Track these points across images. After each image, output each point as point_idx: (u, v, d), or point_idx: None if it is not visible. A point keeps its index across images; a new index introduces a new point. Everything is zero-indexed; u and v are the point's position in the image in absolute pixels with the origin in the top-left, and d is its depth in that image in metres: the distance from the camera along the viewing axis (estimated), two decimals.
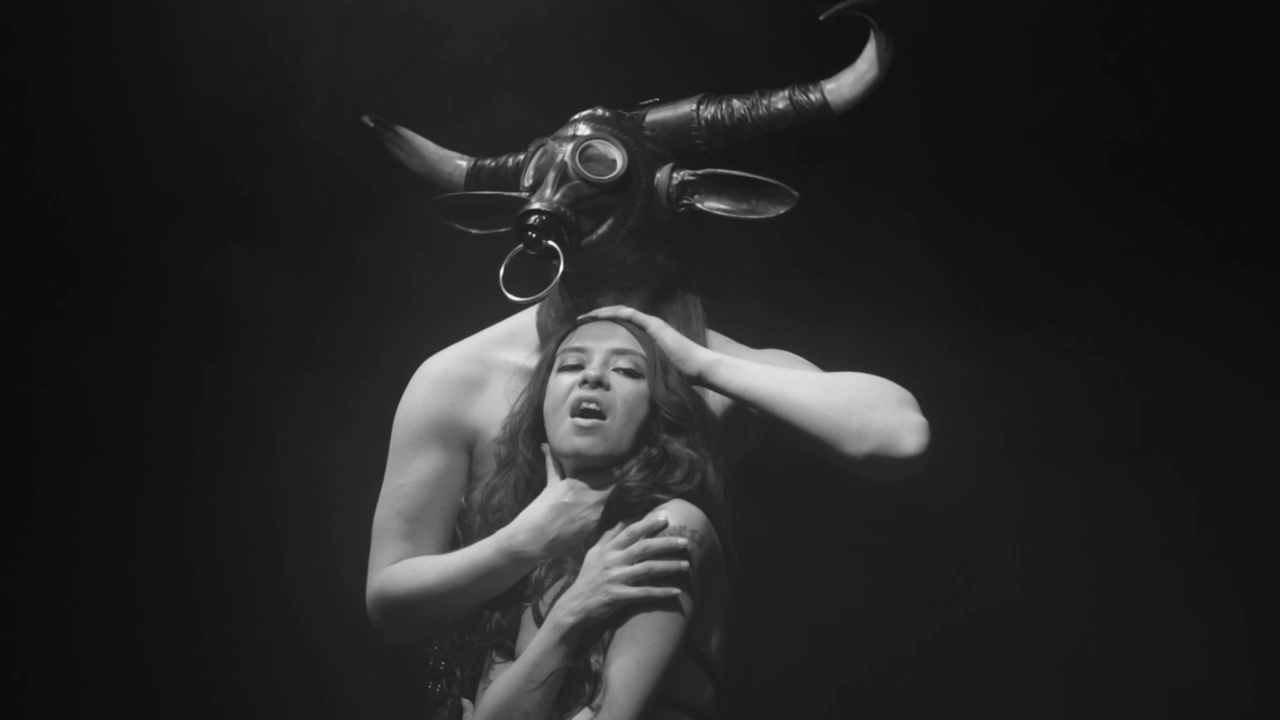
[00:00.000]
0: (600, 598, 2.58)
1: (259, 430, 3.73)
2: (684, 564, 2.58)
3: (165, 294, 3.78)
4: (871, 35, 2.89)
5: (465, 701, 2.74)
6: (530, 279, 2.88)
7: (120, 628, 3.77)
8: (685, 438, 2.73)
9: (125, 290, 3.79)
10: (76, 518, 3.79)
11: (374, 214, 3.67)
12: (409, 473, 2.90)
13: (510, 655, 2.68)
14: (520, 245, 2.85)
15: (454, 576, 2.78)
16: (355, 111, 3.24)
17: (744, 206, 2.92)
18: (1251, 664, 3.58)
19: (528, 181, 2.93)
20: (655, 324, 2.81)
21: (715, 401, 2.84)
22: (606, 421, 2.70)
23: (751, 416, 2.80)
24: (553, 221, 2.83)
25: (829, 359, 2.92)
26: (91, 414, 3.79)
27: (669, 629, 2.57)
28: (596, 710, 2.54)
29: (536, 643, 2.61)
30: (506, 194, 3.00)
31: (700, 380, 2.78)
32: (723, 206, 2.93)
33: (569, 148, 2.89)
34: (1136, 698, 3.61)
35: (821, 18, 2.88)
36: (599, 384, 2.72)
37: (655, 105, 3.01)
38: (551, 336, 2.87)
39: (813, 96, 2.94)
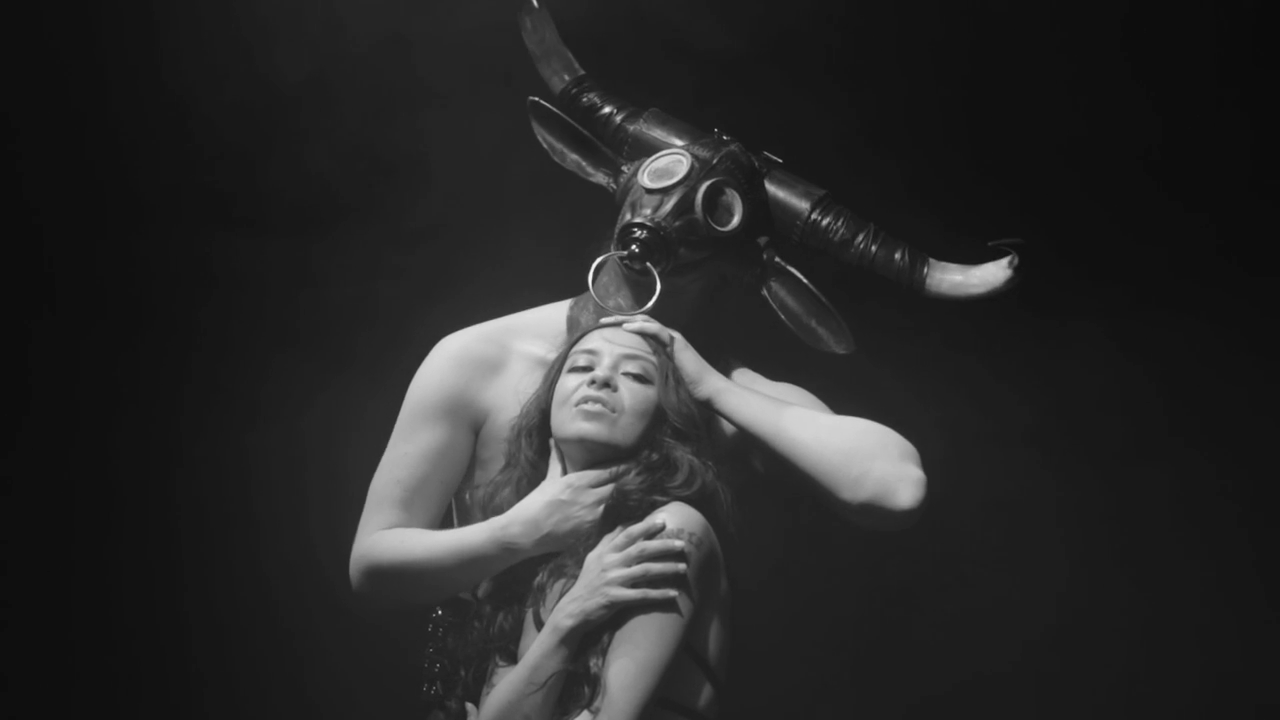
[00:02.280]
0: (598, 600, 2.58)
1: (245, 409, 3.74)
2: (681, 566, 2.59)
3: (154, 280, 3.78)
4: (1006, 265, 2.92)
5: (469, 705, 2.75)
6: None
7: (110, 615, 3.80)
8: (691, 445, 2.74)
9: (114, 277, 3.79)
10: (69, 495, 3.80)
11: (364, 202, 3.70)
12: (415, 443, 2.90)
13: (513, 659, 2.69)
14: (621, 251, 2.85)
15: (441, 556, 2.78)
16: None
17: (804, 322, 2.94)
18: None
19: (648, 181, 2.90)
20: (678, 343, 2.82)
21: (727, 425, 2.84)
22: (614, 414, 2.72)
23: (755, 446, 2.80)
24: (659, 244, 2.83)
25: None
26: (81, 392, 3.81)
27: (667, 631, 2.57)
28: (595, 713, 2.55)
29: (536, 646, 2.61)
30: (604, 148, 3.01)
31: (708, 405, 2.79)
32: (787, 307, 2.94)
33: (704, 184, 2.87)
34: (1168, 693, 3.60)
35: (990, 244, 2.92)
36: (606, 384, 2.73)
37: (779, 168, 3.00)
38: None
39: (916, 273, 2.95)
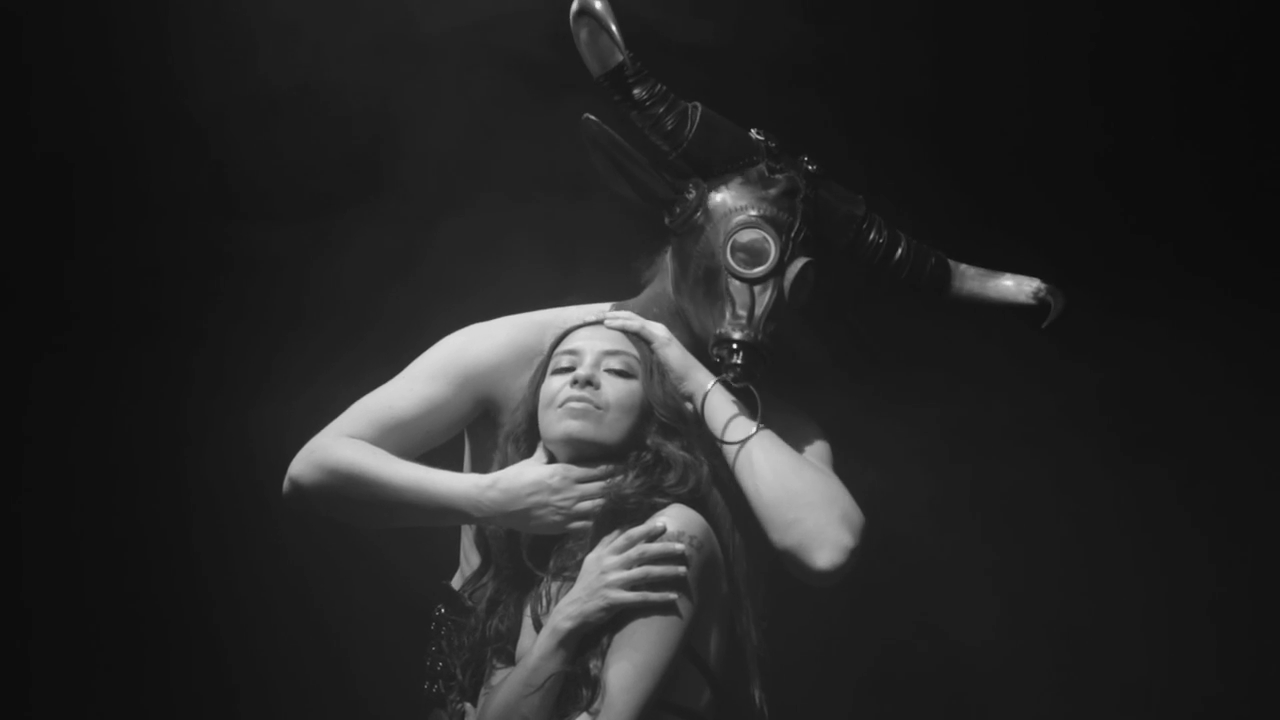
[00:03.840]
0: (597, 602, 2.59)
1: (250, 388, 3.74)
2: (681, 569, 2.59)
3: (163, 268, 3.80)
4: (1032, 295, 2.94)
5: (467, 705, 2.75)
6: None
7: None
8: (679, 440, 2.75)
9: (126, 267, 3.80)
10: (77, 472, 3.82)
11: (370, 191, 3.71)
12: (425, 387, 2.88)
13: (511, 660, 2.70)
14: (727, 375, 2.79)
15: (405, 484, 2.78)
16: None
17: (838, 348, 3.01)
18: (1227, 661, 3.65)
19: (735, 263, 2.82)
20: (662, 337, 2.83)
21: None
22: (599, 410, 2.72)
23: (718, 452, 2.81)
24: (760, 359, 2.80)
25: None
26: (93, 374, 3.82)
27: (667, 634, 2.58)
28: (595, 715, 2.55)
29: (535, 647, 2.61)
30: (656, 172, 2.89)
31: (690, 401, 2.80)
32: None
33: (791, 270, 2.82)
34: (1119, 697, 3.66)
35: (1043, 325, 2.93)
36: (589, 383, 2.73)
37: (820, 180, 2.92)
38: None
39: (942, 279, 2.96)
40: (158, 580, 3.77)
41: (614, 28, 2.85)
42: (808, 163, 2.93)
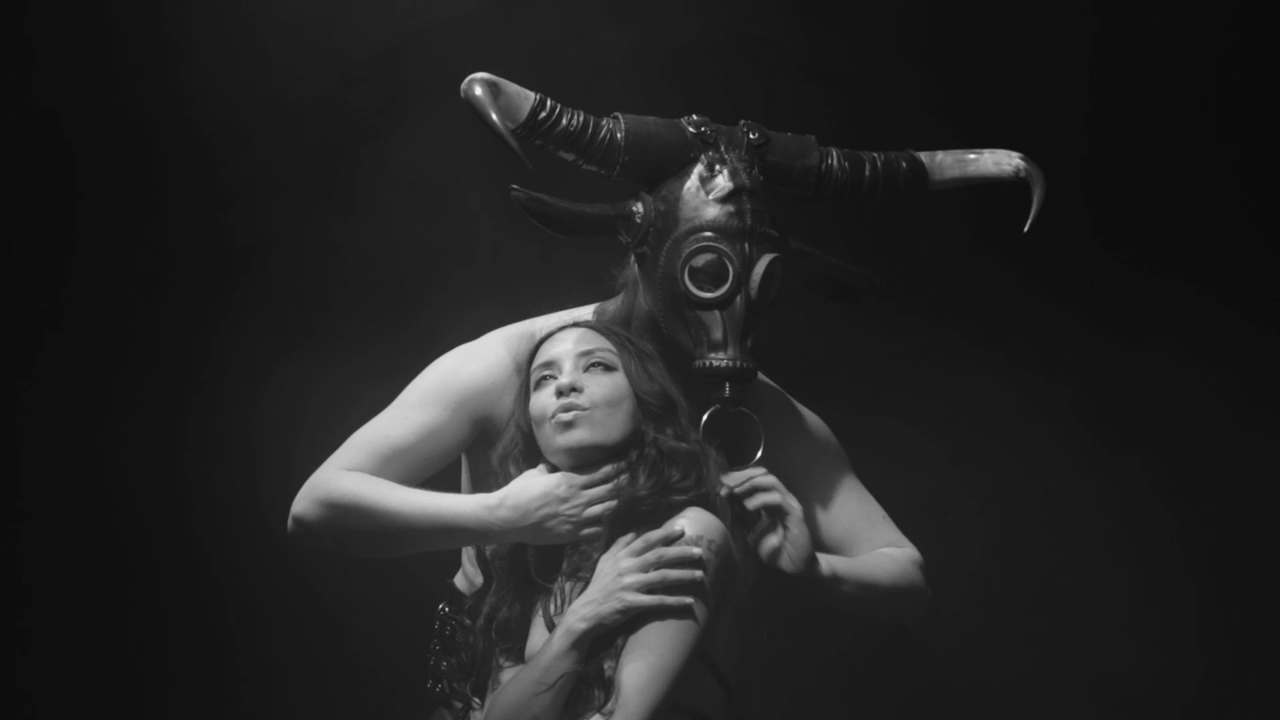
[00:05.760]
0: (613, 604, 2.58)
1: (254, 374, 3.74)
2: (698, 573, 2.59)
3: (172, 258, 3.80)
4: (1013, 169, 2.92)
5: (474, 700, 2.76)
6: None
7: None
8: (671, 428, 2.73)
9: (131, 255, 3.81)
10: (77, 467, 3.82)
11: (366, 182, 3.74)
12: (420, 414, 2.84)
13: (519, 659, 2.69)
14: (715, 406, 2.77)
15: (412, 511, 2.74)
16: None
17: (829, 283, 2.91)
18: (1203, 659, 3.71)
19: (696, 289, 2.75)
20: (796, 514, 2.76)
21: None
22: (589, 411, 2.70)
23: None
24: (747, 382, 2.77)
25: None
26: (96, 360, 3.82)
27: (682, 637, 2.58)
28: (607, 715, 2.55)
29: (547, 647, 2.61)
30: (594, 214, 2.82)
31: (801, 582, 2.76)
32: (811, 280, 2.90)
33: (754, 279, 2.76)
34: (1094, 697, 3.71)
35: (1025, 229, 2.90)
36: (573, 389, 2.71)
37: (767, 147, 2.84)
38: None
39: (918, 176, 2.92)
40: (162, 578, 3.76)
41: (505, 88, 2.76)
42: (747, 131, 2.85)
